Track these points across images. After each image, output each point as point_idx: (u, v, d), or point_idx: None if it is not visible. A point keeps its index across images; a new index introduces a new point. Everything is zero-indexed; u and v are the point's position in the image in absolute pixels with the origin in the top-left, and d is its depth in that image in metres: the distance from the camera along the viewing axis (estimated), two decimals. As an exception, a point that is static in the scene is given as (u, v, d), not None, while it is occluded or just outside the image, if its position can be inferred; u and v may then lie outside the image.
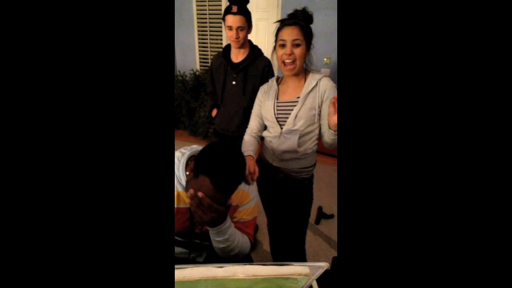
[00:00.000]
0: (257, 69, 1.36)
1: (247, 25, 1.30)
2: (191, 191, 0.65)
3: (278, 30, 0.98)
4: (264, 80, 1.28)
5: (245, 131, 1.18)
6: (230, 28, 1.29)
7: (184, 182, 0.79)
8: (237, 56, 1.40)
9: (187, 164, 0.81)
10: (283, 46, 0.96)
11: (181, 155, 0.84)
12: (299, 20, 0.95)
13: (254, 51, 1.38)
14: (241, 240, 0.79)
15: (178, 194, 0.81)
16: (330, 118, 0.88)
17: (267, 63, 1.36)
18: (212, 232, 0.74)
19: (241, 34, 1.29)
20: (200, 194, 0.65)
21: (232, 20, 1.26)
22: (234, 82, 1.40)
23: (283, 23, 0.97)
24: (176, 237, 0.84)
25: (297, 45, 0.94)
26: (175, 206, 0.80)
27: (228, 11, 1.28)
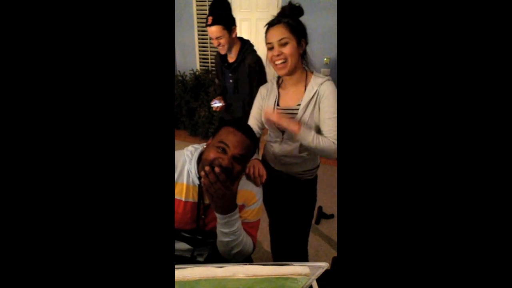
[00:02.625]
0: (245, 67, 1.41)
1: (226, 32, 1.34)
2: (207, 168, 0.67)
3: (265, 34, 0.95)
4: (252, 78, 1.36)
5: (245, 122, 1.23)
6: (210, 38, 1.38)
7: (194, 175, 0.81)
8: (230, 56, 1.46)
9: (199, 160, 0.82)
10: (271, 48, 0.93)
11: (194, 150, 0.86)
12: (285, 17, 0.91)
13: (244, 49, 1.43)
14: (245, 239, 0.80)
15: (187, 188, 0.81)
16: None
17: (255, 60, 1.40)
18: (221, 222, 0.74)
19: (222, 41, 1.36)
20: (217, 169, 0.67)
21: (210, 31, 1.35)
22: (231, 81, 1.47)
23: (268, 25, 0.94)
24: (182, 233, 0.85)
25: (285, 44, 0.91)
26: (183, 199, 0.81)
27: (206, 22, 1.34)
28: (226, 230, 0.75)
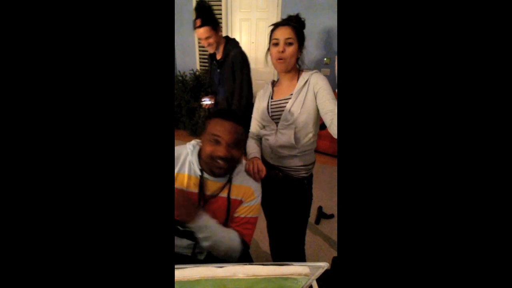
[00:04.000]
0: (228, 62, 1.52)
1: (214, 32, 1.46)
2: None
3: (272, 31, 1.05)
4: (236, 69, 1.47)
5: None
6: (199, 39, 1.48)
7: (196, 167, 0.85)
8: (218, 53, 1.60)
9: (199, 153, 0.87)
10: (276, 44, 1.01)
11: (196, 143, 0.90)
12: (292, 22, 1.01)
13: (227, 47, 1.54)
14: (226, 236, 0.81)
15: (189, 178, 0.85)
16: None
17: (238, 52, 1.51)
18: (194, 230, 0.77)
19: (210, 41, 1.48)
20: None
21: (198, 33, 1.46)
22: (219, 76, 1.62)
23: (276, 25, 1.04)
24: (179, 227, 0.86)
25: (290, 44, 1.00)
26: (184, 190, 0.84)
27: (194, 26, 1.46)
28: (201, 235, 0.77)
